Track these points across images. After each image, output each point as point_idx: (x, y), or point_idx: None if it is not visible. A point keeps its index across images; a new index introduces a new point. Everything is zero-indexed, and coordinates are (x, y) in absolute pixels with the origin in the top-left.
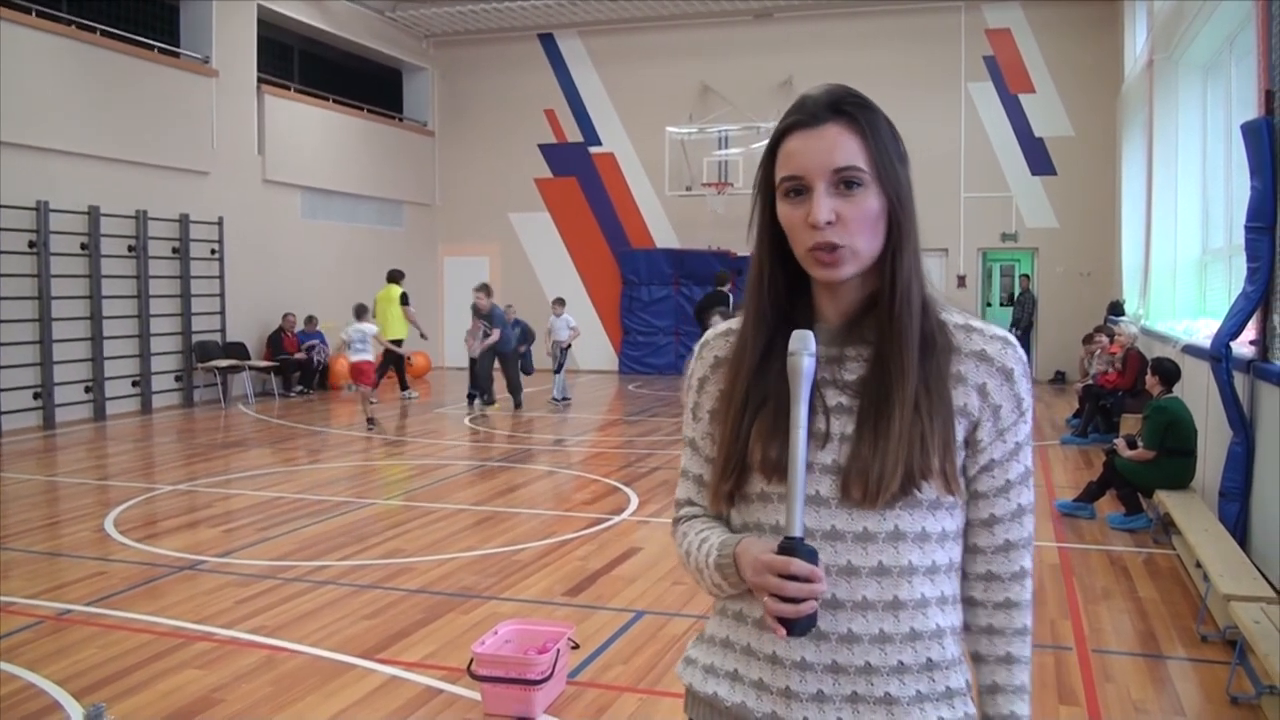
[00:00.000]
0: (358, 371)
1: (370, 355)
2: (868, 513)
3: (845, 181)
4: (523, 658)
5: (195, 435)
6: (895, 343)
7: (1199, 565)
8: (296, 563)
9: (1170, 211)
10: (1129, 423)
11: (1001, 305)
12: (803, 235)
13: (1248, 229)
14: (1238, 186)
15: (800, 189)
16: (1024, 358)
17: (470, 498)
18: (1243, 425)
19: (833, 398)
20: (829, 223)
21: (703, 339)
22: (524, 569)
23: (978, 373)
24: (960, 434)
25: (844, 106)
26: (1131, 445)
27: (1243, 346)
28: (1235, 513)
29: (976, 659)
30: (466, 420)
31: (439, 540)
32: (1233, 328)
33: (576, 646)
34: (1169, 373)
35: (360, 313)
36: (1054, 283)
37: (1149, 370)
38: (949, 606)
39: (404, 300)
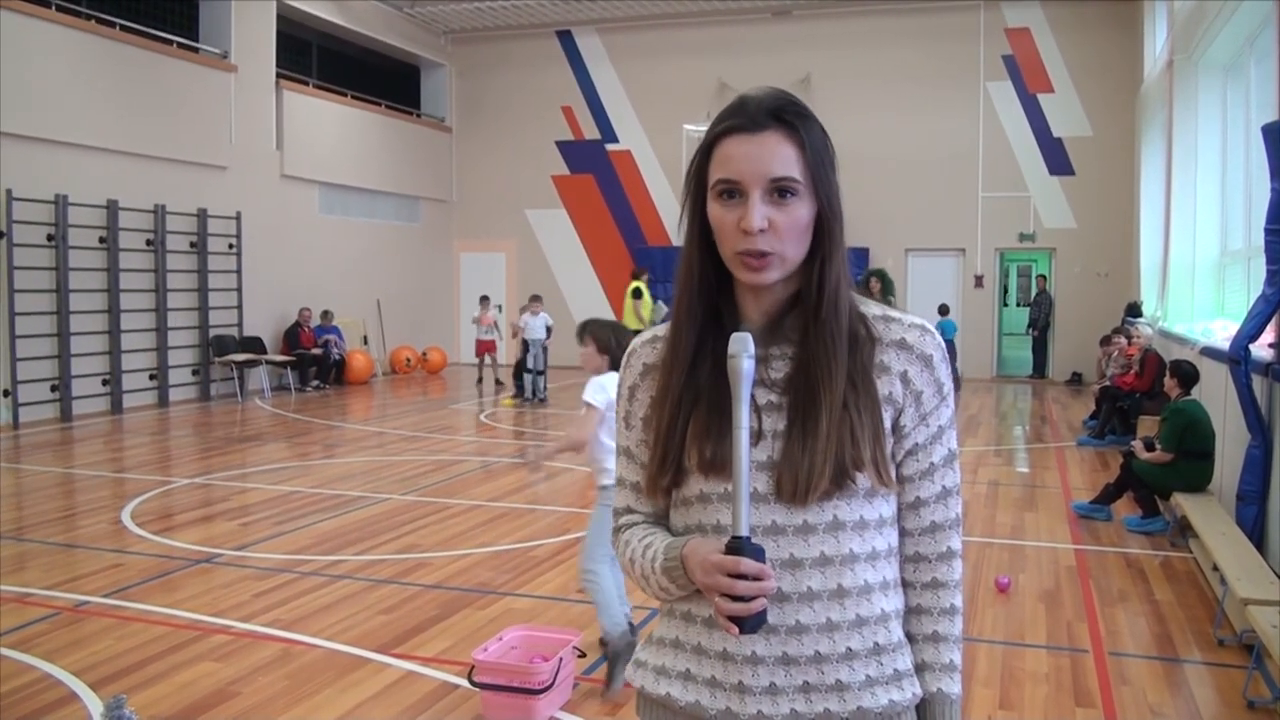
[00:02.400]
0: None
1: (492, 337)
2: (805, 506)
3: (780, 190)
4: (524, 666)
5: (212, 429)
6: (822, 344)
7: (1216, 569)
8: (312, 557)
9: (1189, 213)
10: (1146, 424)
11: (1018, 305)
12: (733, 238)
13: (1268, 231)
14: (1257, 188)
15: (734, 192)
16: (942, 345)
17: (485, 494)
18: (1261, 428)
19: (763, 396)
20: (761, 230)
21: (630, 347)
22: (539, 565)
23: (899, 361)
24: (887, 421)
25: (784, 114)
26: (1149, 447)
27: (1262, 349)
28: (1253, 516)
29: (909, 638)
30: (483, 416)
31: (454, 536)
32: (1252, 330)
33: (583, 655)
34: (1187, 375)
35: (484, 301)
36: (1071, 283)
37: (1167, 372)
38: (892, 591)
39: (635, 295)
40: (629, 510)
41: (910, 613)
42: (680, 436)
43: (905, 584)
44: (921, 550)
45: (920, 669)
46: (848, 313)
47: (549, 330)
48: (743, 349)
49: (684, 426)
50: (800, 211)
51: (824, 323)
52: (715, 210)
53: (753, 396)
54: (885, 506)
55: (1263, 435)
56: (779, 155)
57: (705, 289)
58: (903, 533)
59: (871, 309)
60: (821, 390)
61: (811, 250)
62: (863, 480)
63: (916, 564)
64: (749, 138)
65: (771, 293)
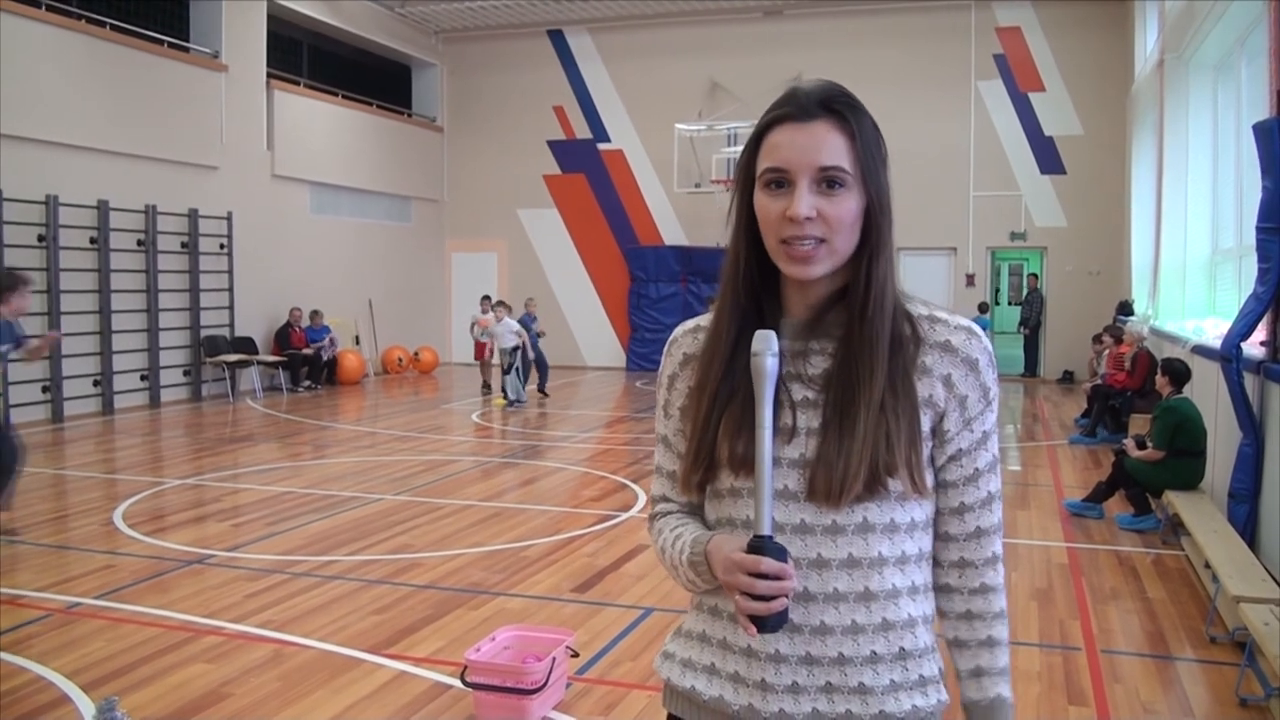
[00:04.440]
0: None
1: (487, 339)
2: (837, 508)
3: (829, 180)
4: (517, 666)
5: (203, 430)
6: (865, 344)
7: (1208, 566)
8: (304, 557)
9: (1180, 211)
10: (1138, 423)
11: (1010, 304)
12: (778, 227)
13: (1259, 230)
14: (1248, 187)
15: (782, 181)
16: (989, 348)
17: (478, 494)
18: (1252, 426)
19: (798, 392)
20: (808, 218)
21: (672, 336)
22: (532, 565)
23: (943, 364)
24: (927, 425)
25: (834, 105)
26: (1140, 445)
27: (1253, 347)
28: (1244, 514)
29: (958, 644)
30: (475, 416)
31: (447, 536)
32: (1243, 329)
33: (576, 655)
34: (1179, 373)
35: (484, 301)
36: (1063, 282)
37: (1159, 370)
38: (920, 596)
39: None
40: (664, 499)
41: (962, 619)
42: (714, 431)
43: (952, 589)
44: (967, 556)
45: (977, 674)
46: (893, 311)
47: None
48: (766, 347)
49: (718, 421)
50: (849, 203)
51: (870, 320)
52: (761, 200)
53: (789, 392)
54: (918, 510)
55: (1254, 433)
56: (828, 144)
57: (750, 283)
58: (947, 538)
59: (918, 308)
60: (860, 390)
61: (859, 245)
62: (895, 485)
63: (963, 569)
64: (799, 126)
65: (818, 286)
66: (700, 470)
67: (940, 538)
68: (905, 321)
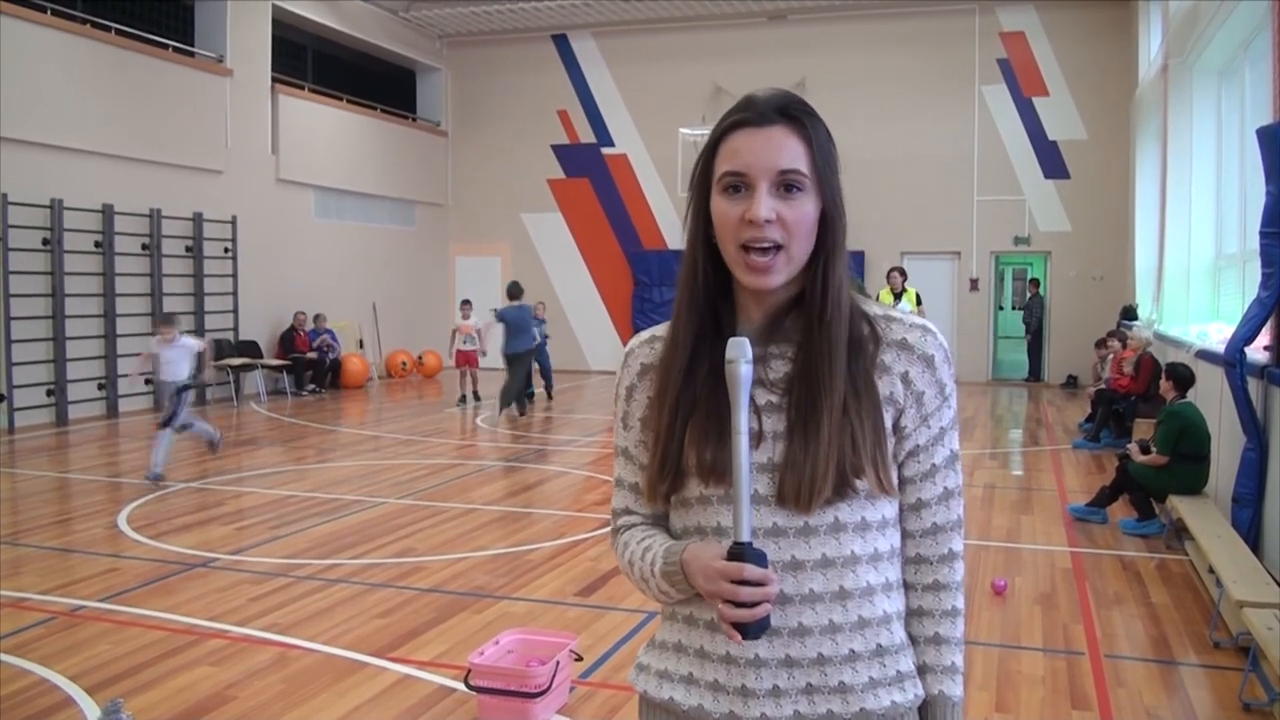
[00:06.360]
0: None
1: (472, 347)
2: (808, 511)
3: (787, 184)
4: (520, 670)
5: None
6: (824, 348)
7: (1212, 571)
8: (308, 561)
9: (1184, 216)
10: (1142, 427)
11: (1013, 309)
12: (736, 231)
13: (1262, 234)
14: (1252, 191)
15: (740, 185)
16: (944, 345)
17: (482, 498)
18: (1256, 431)
19: (762, 396)
20: (768, 221)
21: (628, 347)
22: (536, 569)
23: (900, 361)
24: (888, 422)
25: (791, 111)
26: (1145, 450)
27: (1257, 352)
28: (1248, 518)
29: (911, 640)
30: (479, 420)
31: (451, 540)
32: (1247, 333)
33: (579, 658)
34: (1183, 378)
35: (465, 305)
36: (1067, 287)
37: (1163, 375)
38: (894, 592)
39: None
40: (627, 511)
41: (912, 615)
42: (679, 440)
43: (906, 586)
44: (923, 552)
45: (922, 671)
46: (849, 314)
47: (199, 358)
48: (740, 354)
49: (682, 430)
50: (807, 207)
51: (828, 324)
52: (720, 204)
53: (752, 397)
54: (887, 508)
55: (1258, 438)
56: (787, 148)
57: (706, 289)
58: (904, 534)
59: (873, 309)
60: (822, 395)
61: (815, 251)
62: (862, 485)
63: (918, 566)
64: (757, 131)
65: (773, 294)
66: (667, 480)
67: (901, 534)
68: (863, 322)
